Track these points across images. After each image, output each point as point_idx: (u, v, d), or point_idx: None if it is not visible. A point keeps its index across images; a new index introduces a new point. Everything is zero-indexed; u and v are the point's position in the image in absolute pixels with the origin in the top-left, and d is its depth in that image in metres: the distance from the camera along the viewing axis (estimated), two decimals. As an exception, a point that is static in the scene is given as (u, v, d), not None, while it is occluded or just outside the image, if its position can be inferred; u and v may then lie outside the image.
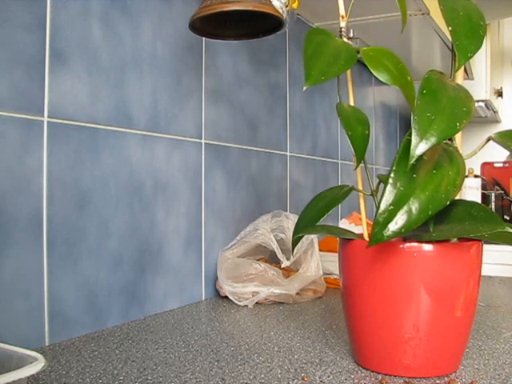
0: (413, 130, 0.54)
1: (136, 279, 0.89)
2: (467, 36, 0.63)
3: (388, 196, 0.57)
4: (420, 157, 0.55)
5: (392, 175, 0.58)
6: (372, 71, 0.62)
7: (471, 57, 0.62)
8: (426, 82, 0.57)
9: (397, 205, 0.56)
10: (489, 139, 0.61)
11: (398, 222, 0.56)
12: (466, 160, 0.61)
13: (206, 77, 1.06)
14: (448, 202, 0.56)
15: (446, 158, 0.59)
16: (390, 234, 0.56)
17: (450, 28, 0.63)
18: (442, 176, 0.57)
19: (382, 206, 0.57)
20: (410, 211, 0.56)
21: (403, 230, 0.56)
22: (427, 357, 0.61)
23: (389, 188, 0.57)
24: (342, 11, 0.70)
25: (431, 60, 1.81)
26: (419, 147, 0.53)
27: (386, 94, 2.12)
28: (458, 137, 0.65)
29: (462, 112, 0.55)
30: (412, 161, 0.54)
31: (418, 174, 0.58)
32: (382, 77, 0.62)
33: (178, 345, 0.75)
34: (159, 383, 0.60)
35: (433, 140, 0.53)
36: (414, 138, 0.54)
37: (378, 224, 0.56)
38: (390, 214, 0.56)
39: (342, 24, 0.70)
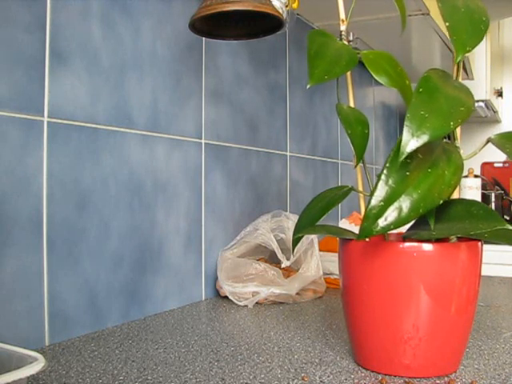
0: (404, 127, 0.53)
1: (136, 279, 0.89)
2: (467, 31, 0.63)
3: (379, 192, 0.57)
4: (415, 155, 0.55)
5: (385, 172, 0.58)
6: (372, 74, 0.63)
7: (469, 51, 0.62)
8: (423, 81, 0.57)
9: (387, 201, 0.57)
10: (488, 141, 0.61)
11: (387, 219, 0.56)
12: (466, 160, 0.61)
13: (206, 77, 1.06)
14: (441, 202, 0.56)
15: (443, 157, 0.59)
16: (379, 229, 0.56)
17: (447, 24, 0.63)
18: (436, 175, 0.58)
19: (373, 202, 0.57)
20: (400, 208, 0.56)
21: (392, 227, 0.56)
22: (427, 357, 0.61)
23: (380, 184, 0.58)
24: (342, 15, 0.71)
25: (431, 60, 1.81)
26: (410, 144, 0.53)
27: (385, 94, 2.12)
28: (459, 136, 0.65)
29: (458, 111, 0.55)
30: (402, 158, 0.53)
31: (411, 172, 0.58)
32: (381, 79, 0.63)
33: (178, 345, 0.75)
34: (159, 383, 0.60)
35: (424, 138, 0.53)
36: (406, 135, 0.53)
37: (368, 218, 0.57)
38: (380, 210, 0.57)
39: (343, 27, 0.71)
